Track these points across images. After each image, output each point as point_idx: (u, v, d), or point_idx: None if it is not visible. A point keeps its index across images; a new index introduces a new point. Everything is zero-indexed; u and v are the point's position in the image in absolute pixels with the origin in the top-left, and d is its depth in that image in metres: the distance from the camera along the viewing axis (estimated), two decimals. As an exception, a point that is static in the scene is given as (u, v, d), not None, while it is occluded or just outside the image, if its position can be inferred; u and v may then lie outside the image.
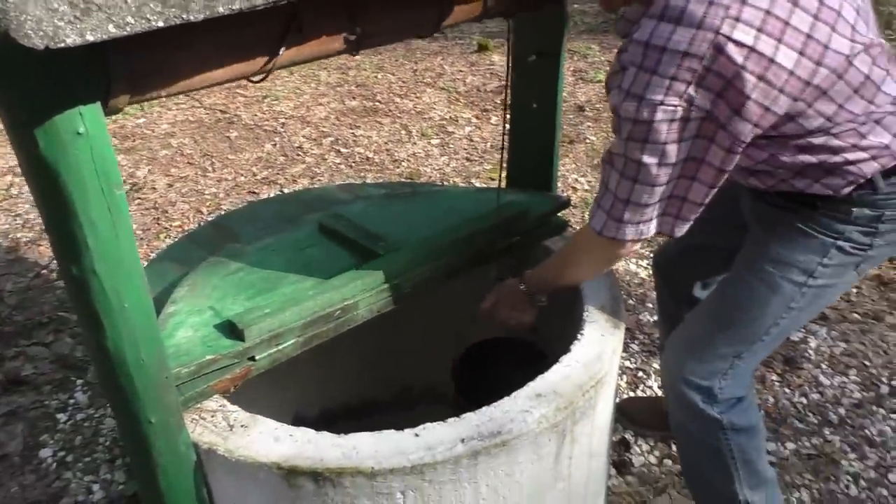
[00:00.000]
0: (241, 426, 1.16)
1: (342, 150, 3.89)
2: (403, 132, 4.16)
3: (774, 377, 2.23)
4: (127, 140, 3.95)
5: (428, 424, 1.14)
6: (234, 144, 3.95)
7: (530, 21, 1.62)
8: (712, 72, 1.04)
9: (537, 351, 1.58)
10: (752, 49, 1.03)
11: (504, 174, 1.75)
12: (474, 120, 4.34)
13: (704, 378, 1.41)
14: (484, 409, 1.17)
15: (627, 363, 2.30)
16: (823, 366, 2.27)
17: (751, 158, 1.20)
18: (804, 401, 2.14)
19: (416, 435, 1.12)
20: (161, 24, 0.73)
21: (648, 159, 1.11)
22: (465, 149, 3.95)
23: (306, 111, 4.42)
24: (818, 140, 1.15)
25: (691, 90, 1.05)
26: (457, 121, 4.34)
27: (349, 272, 1.36)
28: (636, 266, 2.81)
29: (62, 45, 0.67)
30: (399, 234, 1.52)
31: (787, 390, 2.18)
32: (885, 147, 1.16)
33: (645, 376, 2.25)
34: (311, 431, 1.14)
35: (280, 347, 1.24)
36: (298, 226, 1.60)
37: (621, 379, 2.23)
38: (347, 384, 1.99)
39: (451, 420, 1.15)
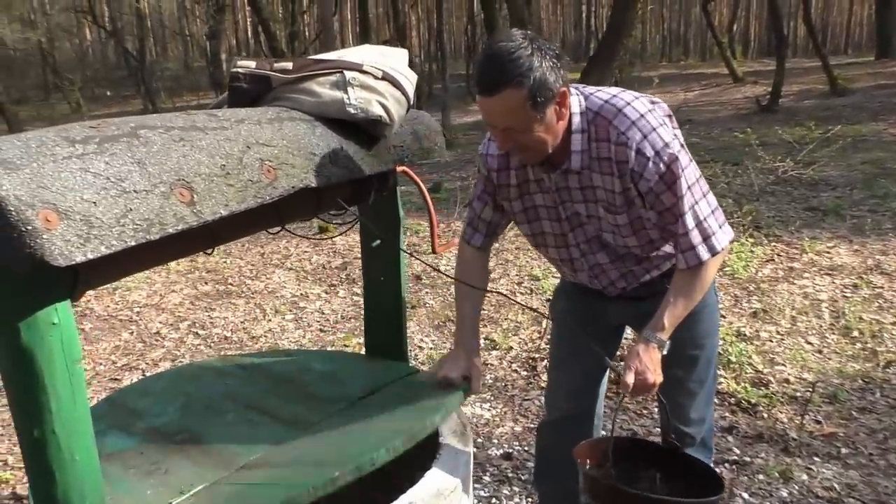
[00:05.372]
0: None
1: (200, 332, 4.10)
2: (258, 311, 4.45)
3: None
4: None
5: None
6: (90, 336, 4.03)
7: (373, 212, 2.08)
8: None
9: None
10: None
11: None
12: (324, 294, 4.74)
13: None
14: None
15: (482, 492, 2.63)
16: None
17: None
18: None
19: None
20: (133, 243, 1.08)
21: (697, 172, 1.56)
22: (318, 321, 4.29)
23: (160, 299, 4.61)
24: None
25: (671, 127, 1.56)
26: (307, 296, 4.70)
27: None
28: (481, 409, 3.21)
29: (74, 261, 0.99)
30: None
31: None
32: None
33: (497, 502, 2.58)
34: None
35: (192, 491, 1.48)
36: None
37: (477, 507, 2.55)
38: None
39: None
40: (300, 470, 1.53)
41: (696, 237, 1.56)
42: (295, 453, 1.62)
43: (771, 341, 3.72)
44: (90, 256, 1.02)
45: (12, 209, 0.94)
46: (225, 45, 25.65)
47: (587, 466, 1.53)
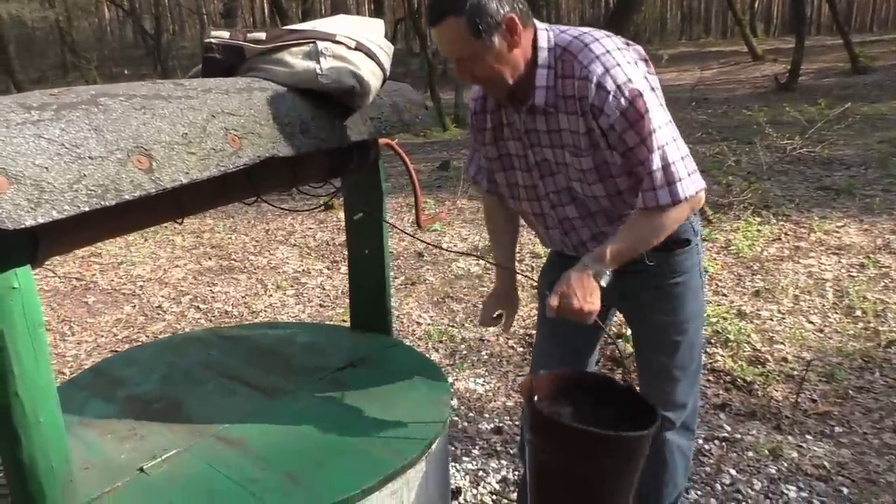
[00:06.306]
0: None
1: (201, 306, 4.14)
2: (259, 286, 4.48)
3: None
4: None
5: None
6: (93, 308, 4.09)
7: (356, 185, 2.08)
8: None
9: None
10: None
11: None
12: (325, 271, 4.76)
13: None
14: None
15: (470, 465, 2.64)
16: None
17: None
18: None
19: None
20: (87, 208, 1.09)
21: (667, 117, 1.49)
22: (319, 297, 4.32)
23: (164, 273, 4.66)
24: None
25: (644, 69, 1.51)
26: (309, 272, 4.73)
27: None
28: (474, 384, 3.23)
29: (23, 225, 1.00)
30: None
31: None
32: None
33: (484, 475, 2.59)
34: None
35: (163, 457, 1.51)
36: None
37: (464, 479, 2.56)
38: None
39: None
40: (273, 445, 1.56)
41: (659, 179, 1.48)
42: (271, 426, 1.64)
43: (771, 320, 3.69)
44: (40, 221, 1.03)
45: (-41, 173, 0.96)
46: (241, 23, 25.61)
47: (535, 400, 1.50)
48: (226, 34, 1.64)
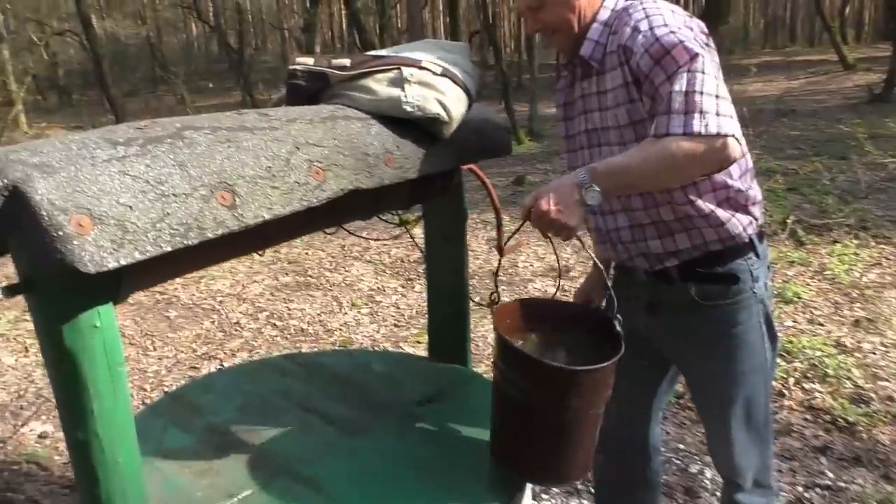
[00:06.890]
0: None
1: (277, 323, 4.17)
2: (335, 303, 4.48)
3: (677, 505, 2.50)
4: (68, 324, 4.14)
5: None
6: (174, 323, 4.18)
7: (437, 209, 2.02)
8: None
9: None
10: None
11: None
12: (400, 289, 4.73)
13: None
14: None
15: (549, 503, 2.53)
16: (718, 493, 2.56)
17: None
18: (704, 524, 2.41)
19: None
20: (169, 248, 1.05)
21: (708, 56, 1.32)
22: (393, 316, 4.29)
23: (242, 289, 4.73)
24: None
25: (699, 35, 1.38)
26: (384, 290, 4.71)
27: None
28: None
29: (105, 268, 0.97)
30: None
31: (688, 516, 2.45)
32: None
33: (564, 513, 2.48)
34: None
35: (239, 495, 1.47)
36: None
37: (543, 517, 2.45)
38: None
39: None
40: (349, 486, 1.50)
41: (677, 103, 1.27)
42: (347, 464, 1.58)
43: (874, 354, 3.42)
44: (123, 263, 1.00)
45: (45, 214, 0.93)
46: (319, 37, 26.23)
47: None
48: (310, 60, 1.61)
